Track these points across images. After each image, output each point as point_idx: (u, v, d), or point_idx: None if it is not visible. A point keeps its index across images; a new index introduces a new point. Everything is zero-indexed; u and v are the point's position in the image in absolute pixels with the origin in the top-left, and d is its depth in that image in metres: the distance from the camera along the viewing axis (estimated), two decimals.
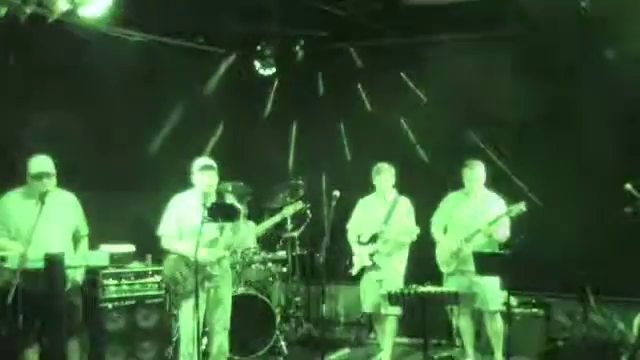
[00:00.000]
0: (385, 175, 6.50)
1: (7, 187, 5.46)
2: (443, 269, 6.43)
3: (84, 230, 5.67)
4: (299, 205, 6.04)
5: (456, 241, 6.30)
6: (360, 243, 6.52)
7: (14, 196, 5.39)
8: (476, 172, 6.32)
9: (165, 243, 5.57)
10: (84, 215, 5.68)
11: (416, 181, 7.26)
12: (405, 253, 6.49)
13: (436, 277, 6.30)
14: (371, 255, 6.43)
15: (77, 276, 5.52)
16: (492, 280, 5.82)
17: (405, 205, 6.51)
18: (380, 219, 6.44)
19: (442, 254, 6.45)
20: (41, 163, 5.34)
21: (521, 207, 6.02)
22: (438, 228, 6.53)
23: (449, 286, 6.17)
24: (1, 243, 5.26)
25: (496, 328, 6.27)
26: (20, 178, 5.42)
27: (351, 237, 6.64)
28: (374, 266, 6.42)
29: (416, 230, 6.33)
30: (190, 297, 5.37)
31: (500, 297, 5.56)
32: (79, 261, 5.42)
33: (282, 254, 7.49)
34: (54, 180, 5.38)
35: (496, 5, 6.72)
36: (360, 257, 6.49)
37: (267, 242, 7.51)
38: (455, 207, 6.46)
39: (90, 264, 5.55)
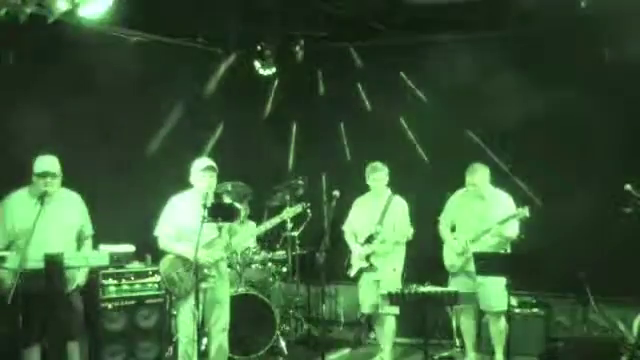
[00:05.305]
0: (379, 174, 6.48)
1: (6, 186, 5.45)
2: (449, 269, 6.44)
3: (88, 230, 5.66)
4: (299, 208, 6.02)
5: (461, 242, 6.31)
6: (357, 244, 6.52)
7: (18, 196, 5.39)
8: (476, 177, 6.30)
9: (163, 244, 5.57)
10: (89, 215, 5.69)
11: (416, 181, 7.27)
12: (402, 252, 6.48)
13: (436, 277, 6.29)
14: (367, 256, 6.42)
15: (79, 277, 5.52)
16: (496, 281, 5.82)
17: (399, 204, 6.49)
18: (375, 219, 6.43)
19: (448, 254, 6.46)
20: (46, 162, 5.33)
21: (525, 212, 6.02)
22: (445, 227, 6.54)
23: (453, 286, 6.16)
24: None
25: (499, 329, 6.27)
26: (20, 178, 5.41)
27: (348, 238, 6.64)
28: (371, 267, 6.42)
29: (409, 230, 6.31)
30: (187, 298, 5.38)
31: (504, 298, 5.57)
32: (79, 261, 5.40)
33: (282, 254, 7.50)
34: (58, 180, 5.37)
35: (496, 5, 6.72)
36: (358, 258, 6.49)
37: (267, 242, 7.51)
38: (461, 207, 6.47)
39: (90, 264, 5.54)
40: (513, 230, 6.14)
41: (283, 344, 6.97)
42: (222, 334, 5.64)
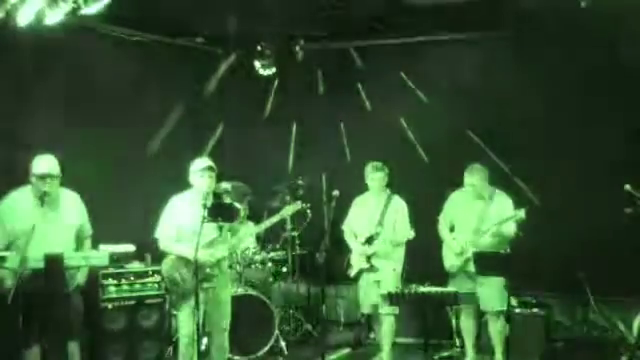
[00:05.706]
0: (378, 174, 6.47)
1: (6, 186, 5.45)
2: (449, 269, 6.45)
3: (88, 230, 5.65)
4: (298, 205, 6.04)
5: (460, 242, 6.31)
6: (357, 243, 6.52)
7: (18, 196, 5.37)
8: (475, 178, 6.30)
9: (163, 245, 5.57)
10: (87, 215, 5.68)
11: (416, 181, 7.27)
12: (402, 252, 6.47)
13: (436, 277, 6.29)
14: (368, 257, 6.42)
15: (79, 277, 5.51)
16: (496, 281, 5.83)
17: (399, 204, 6.49)
18: (374, 219, 6.43)
19: (448, 254, 6.46)
20: (45, 163, 5.31)
21: (521, 214, 6.04)
22: (444, 227, 6.54)
23: (453, 286, 6.17)
24: None
25: (499, 328, 6.25)
26: (20, 178, 5.41)
27: (348, 237, 6.64)
28: (372, 268, 6.42)
29: (410, 232, 6.31)
30: (189, 298, 5.37)
31: (504, 298, 5.58)
32: (79, 261, 5.40)
33: (282, 254, 7.49)
34: (58, 181, 5.35)
35: (496, 5, 6.73)
36: (358, 258, 6.49)
37: (267, 241, 7.51)
38: (460, 206, 6.48)
39: (90, 264, 5.53)
40: (511, 229, 6.15)
41: (283, 344, 6.96)
42: (223, 334, 5.64)
